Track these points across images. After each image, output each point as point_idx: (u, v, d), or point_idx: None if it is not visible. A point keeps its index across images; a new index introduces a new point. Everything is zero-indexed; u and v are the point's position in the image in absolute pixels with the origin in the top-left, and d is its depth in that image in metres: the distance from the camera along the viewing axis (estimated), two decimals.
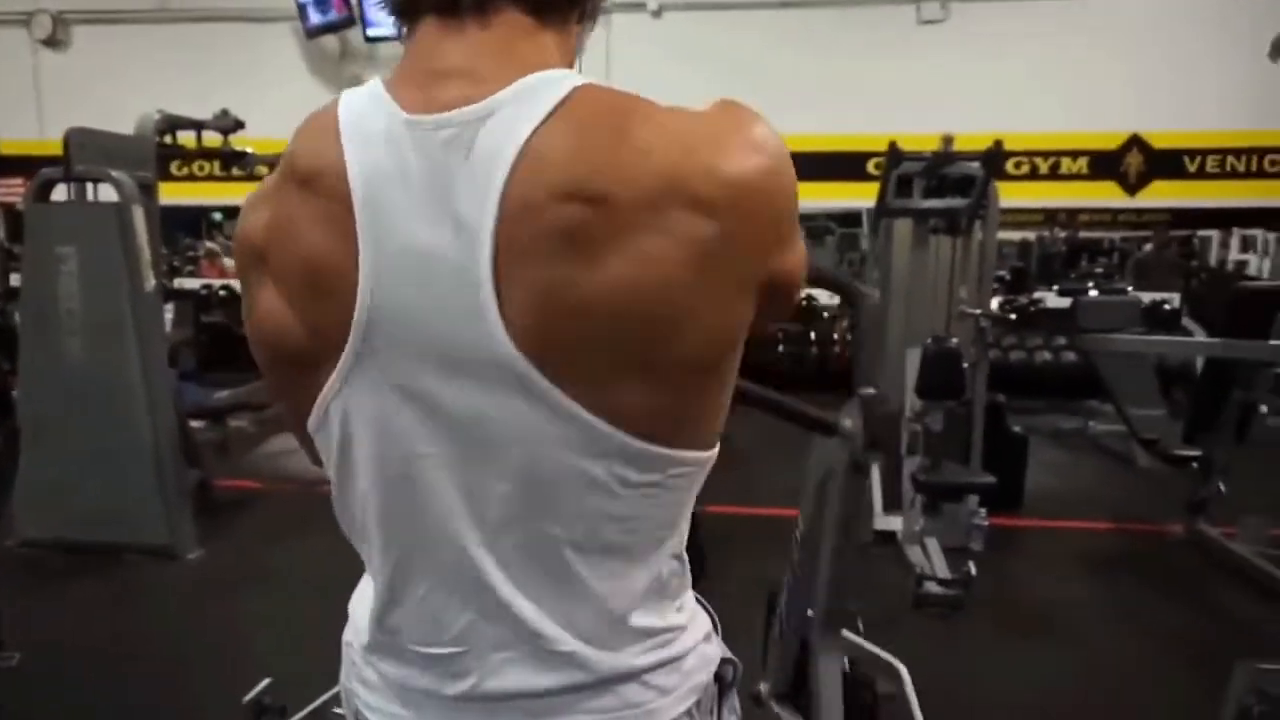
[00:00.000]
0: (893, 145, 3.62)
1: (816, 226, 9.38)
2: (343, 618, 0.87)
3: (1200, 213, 8.97)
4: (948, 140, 3.70)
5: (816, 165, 7.94)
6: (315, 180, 0.69)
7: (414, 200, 0.66)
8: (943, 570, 3.37)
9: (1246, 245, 9.54)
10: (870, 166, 8.69)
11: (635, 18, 8.64)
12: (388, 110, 0.68)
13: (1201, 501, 4.17)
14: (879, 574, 3.72)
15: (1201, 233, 9.94)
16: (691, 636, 0.81)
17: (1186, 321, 7.20)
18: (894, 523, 4.01)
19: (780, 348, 8.13)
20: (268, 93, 7.58)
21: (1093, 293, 6.04)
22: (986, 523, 3.94)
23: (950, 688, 2.74)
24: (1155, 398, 5.68)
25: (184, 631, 3.27)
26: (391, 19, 0.74)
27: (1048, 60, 8.25)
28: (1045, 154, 8.74)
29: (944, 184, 3.87)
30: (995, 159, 3.59)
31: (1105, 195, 8.81)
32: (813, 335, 8.39)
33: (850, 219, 9.27)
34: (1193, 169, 8.63)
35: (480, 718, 0.76)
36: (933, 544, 3.68)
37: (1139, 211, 9.06)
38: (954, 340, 3.45)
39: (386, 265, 0.67)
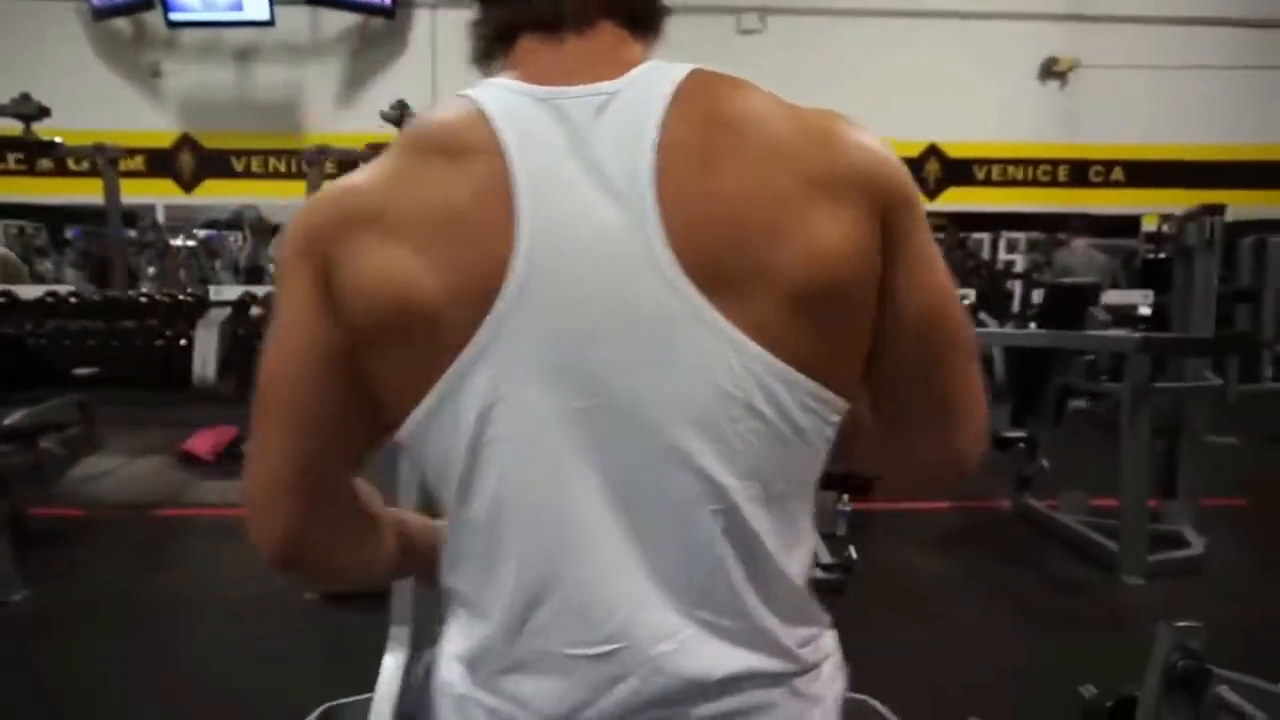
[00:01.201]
0: None
1: None
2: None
3: (981, 216, 9.91)
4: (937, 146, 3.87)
5: None
6: (463, 151, 0.69)
7: (570, 166, 0.68)
8: (826, 557, 3.52)
9: (1011, 246, 10.61)
10: None
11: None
12: (526, 91, 0.71)
13: (1027, 478, 4.61)
14: None
15: (975, 235, 10.97)
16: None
17: (981, 315, 7.94)
18: None
19: None
20: (56, 81, 6.83)
21: None
22: (849, 508, 4.16)
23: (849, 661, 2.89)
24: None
25: (15, 685, 2.88)
26: (480, 44, 0.80)
27: (858, 73, 8.83)
28: None
29: None
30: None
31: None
32: None
33: None
34: (980, 176, 9.52)
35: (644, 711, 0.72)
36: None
37: (935, 215, 9.88)
38: None
39: (545, 231, 0.67)
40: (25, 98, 4.27)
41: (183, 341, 5.96)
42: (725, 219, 0.67)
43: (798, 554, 0.74)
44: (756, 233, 0.66)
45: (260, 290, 6.18)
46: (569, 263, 0.67)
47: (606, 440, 0.68)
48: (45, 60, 7.78)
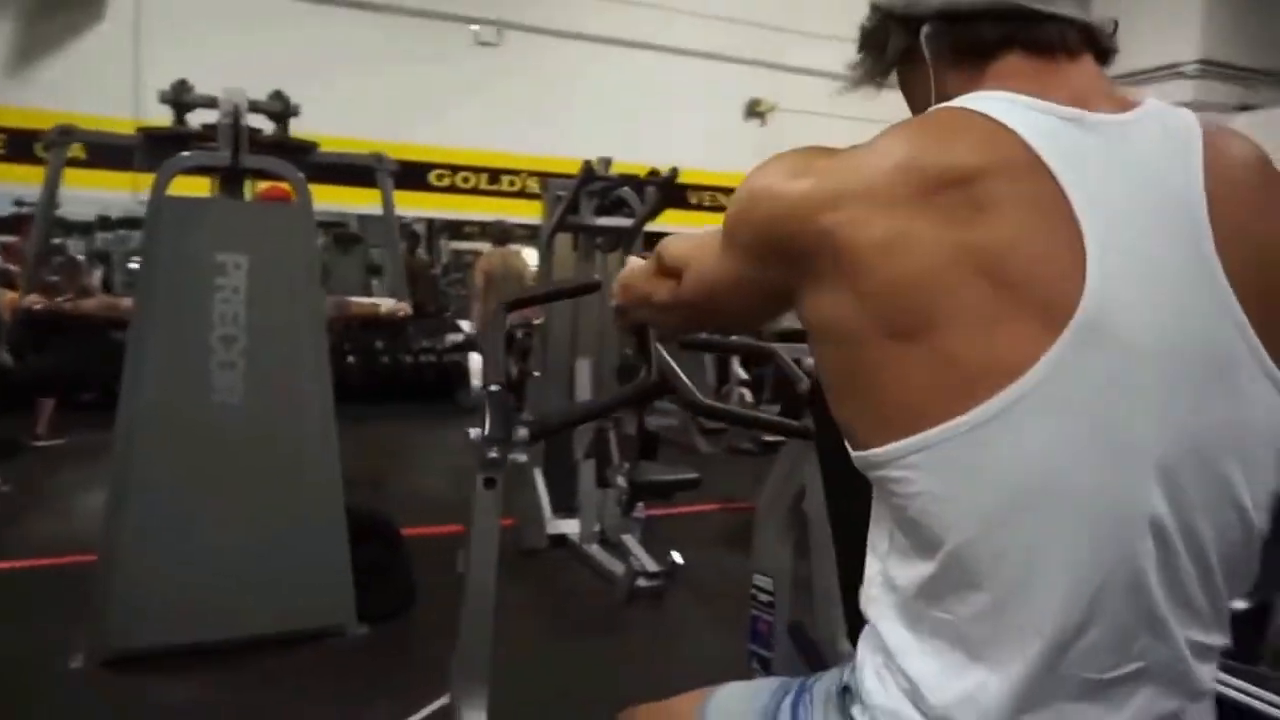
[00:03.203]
0: (586, 164, 3.84)
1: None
2: None
3: None
4: (655, 170, 4.05)
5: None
6: (995, 172, 0.71)
7: (1115, 190, 0.71)
8: (651, 564, 3.67)
9: None
10: (431, 178, 8.77)
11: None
12: (1050, 110, 0.74)
13: None
14: (564, 578, 3.94)
15: None
16: None
17: None
18: (564, 526, 4.22)
19: (349, 358, 7.82)
20: None
21: None
22: (645, 515, 4.35)
23: (664, 656, 3.16)
24: (711, 392, 6.72)
25: None
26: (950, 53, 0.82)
27: (588, 94, 9.15)
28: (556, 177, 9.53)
29: (607, 204, 4.21)
30: (668, 184, 4.03)
31: None
32: (380, 344, 8.23)
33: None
34: (694, 201, 10.25)
35: None
36: (631, 540, 3.97)
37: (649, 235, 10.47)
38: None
39: (1114, 257, 0.69)
40: None
41: None
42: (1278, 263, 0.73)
43: None
44: None
45: None
46: (1131, 293, 0.69)
47: (1166, 483, 0.70)
48: None
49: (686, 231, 1.02)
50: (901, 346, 0.71)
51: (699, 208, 10.19)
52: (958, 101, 0.77)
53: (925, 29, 0.83)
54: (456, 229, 12.48)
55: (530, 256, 9.22)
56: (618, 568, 3.71)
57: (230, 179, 3.20)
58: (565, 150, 8.85)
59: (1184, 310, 0.71)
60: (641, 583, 3.52)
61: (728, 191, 8.99)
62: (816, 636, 1.46)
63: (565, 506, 4.27)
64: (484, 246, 9.63)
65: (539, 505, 4.25)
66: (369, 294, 9.23)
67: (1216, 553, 0.73)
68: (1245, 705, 1.24)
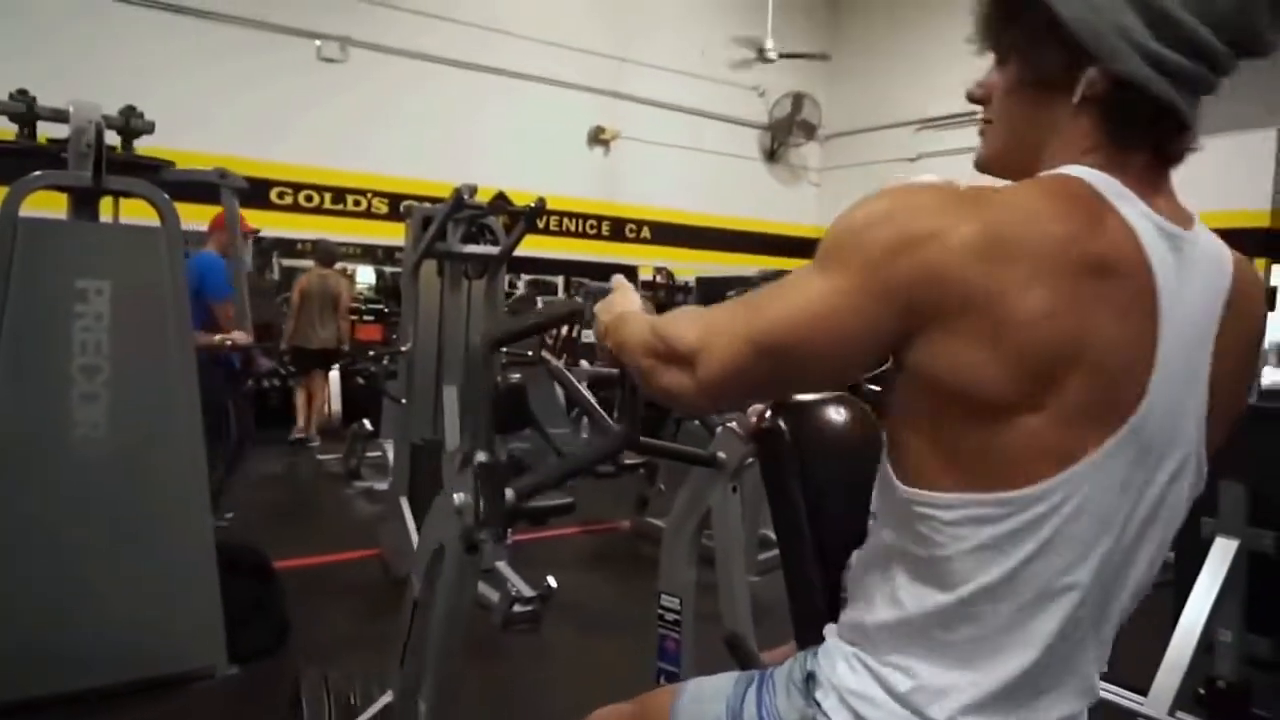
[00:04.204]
0: (457, 191, 3.85)
1: None
2: None
3: (543, 262, 10.76)
4: (502, 194, 4.09)
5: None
6: (1125, 275, 0.77)
7: (1190, 304, 0.80)
8: (526, 589, 3.70)
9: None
10: (273, 195, 8.45)
11: None
12: (1159, 225, 0.80)
13: (645, 499, 5.26)
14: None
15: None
16: None
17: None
18: None
19: None
20: None
21: None
22: (512, 541, 4.37)
23: (548, 678, 3.26)
24: (563, 418, 6.78)
25: None
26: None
27: (433, 116, 9.09)
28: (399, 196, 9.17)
29: (473, 230, 4.24)
30: (538, 214, 4.11)
31: None
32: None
33: None
34: (541, 225, 10.34)
35: None
36: (504, 566, 3.98)
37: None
38: (516, 376, 3.82)
39: (1169, 364, 0.79)
40: None
41: None
42: (1231, 373, 0.85)
43: None
44: (1241, 385, 0.90)
45: None
46: (1165, 400, 0.79)
47: (1150, 537, 0.85)
48: None
49: (684, 311, 0.96)
50: (1010, 411, 0.76)
51: (545, 232, 10.29)
52: (1090, 181, 0.80)
53: (1092, 73, 0.80)
54: (289, 246, 12.01)
55: (364, 275, 9.00)
56: (493, 594, 3.72)
57: (85, 199, 3.02)
58: (413, 171, 8.77)
59: (1184, 412, 0.82)
60: (518, 608, 3.55)
61: (573, 216, 9.29)
62: (750, 647, 1.59)
63: None
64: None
65: (407, 534, 4.19)
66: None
67: (1131, 601, 0.88)
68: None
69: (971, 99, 0.92)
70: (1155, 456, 0.81)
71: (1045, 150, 0.84)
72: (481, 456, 1.42)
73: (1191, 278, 0.81)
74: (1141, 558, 0.85)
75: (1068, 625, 0.82)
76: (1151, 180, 0.82)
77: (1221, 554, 2.02)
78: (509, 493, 1.40)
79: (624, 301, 1.14)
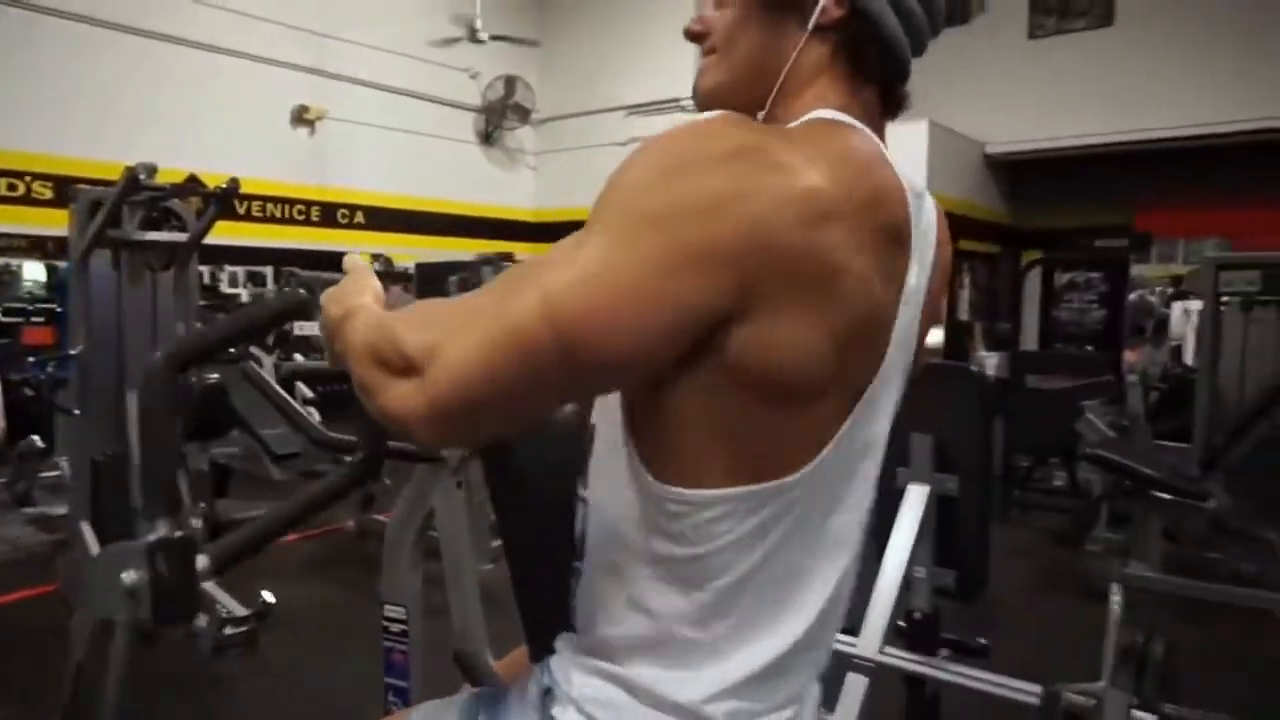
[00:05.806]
0: (130, 170, 3.36)
1: None
2: None
3: (242, 250, 9.90)
4: (194, 176, 3.64)
5: None
6: (898, 232, 0.76)
7: (920, 270, 0.80)
8: (238, 609, 3.38)
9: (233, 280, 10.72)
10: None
11: None
12: (906, 175, 0.78)
13: (370, 496, 5.01)
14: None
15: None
16: None
17: None
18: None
19: None
20: None
21: None
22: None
23: (272, 702, 3.00)
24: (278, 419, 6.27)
25: None
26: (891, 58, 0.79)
27: (114, 91, 8.07)
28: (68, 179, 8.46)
29: (154, 216, 3.77)
30: (231, 195, 3.73)
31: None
32: None
33: None
34: (242, 211, 9.51)
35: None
36: (213, 586, 3.59)
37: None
38: (214, 376, 3.46)
39: (900, 332, 0.78)
40: None
41: None
42: (922, 330, 0.85)
43: None
44: (923, 342, 0.88)
45: None
46: (894, 360, 0.78)
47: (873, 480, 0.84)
48: None
49: (431, 303, 0.75)
50: (812, 395, 0.71)
51: (248, 218, 9.48)
52: (870, 134, 0.77)
53: None
54: None
55: (32, 271, 7.88)
56: (200, 619, 3.36)
57: None
58: (90, 152, 7.72)
59: (899, 374, 0.81)
60: (230, 630, 3.23)
61: (279, 201, 8.63)
62: (483, 662, 1.50)
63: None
64: None
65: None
66: None
67: (855, 563, 0.86)
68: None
69: (690, 34, 0.86)
70: (876, 421, 0.81)
71: (778, 79, 0.79)
72: (161, 529, 1.10)
73: (924, 246, 0.80)
74: (861, 521, 0.86)
75: (826, 603, 0.82)
76: (881, 131, 0.81)
77: (916, 499, 2.22)
78: (202, 561, 1.12)
79: (357, 290, 0.84)
